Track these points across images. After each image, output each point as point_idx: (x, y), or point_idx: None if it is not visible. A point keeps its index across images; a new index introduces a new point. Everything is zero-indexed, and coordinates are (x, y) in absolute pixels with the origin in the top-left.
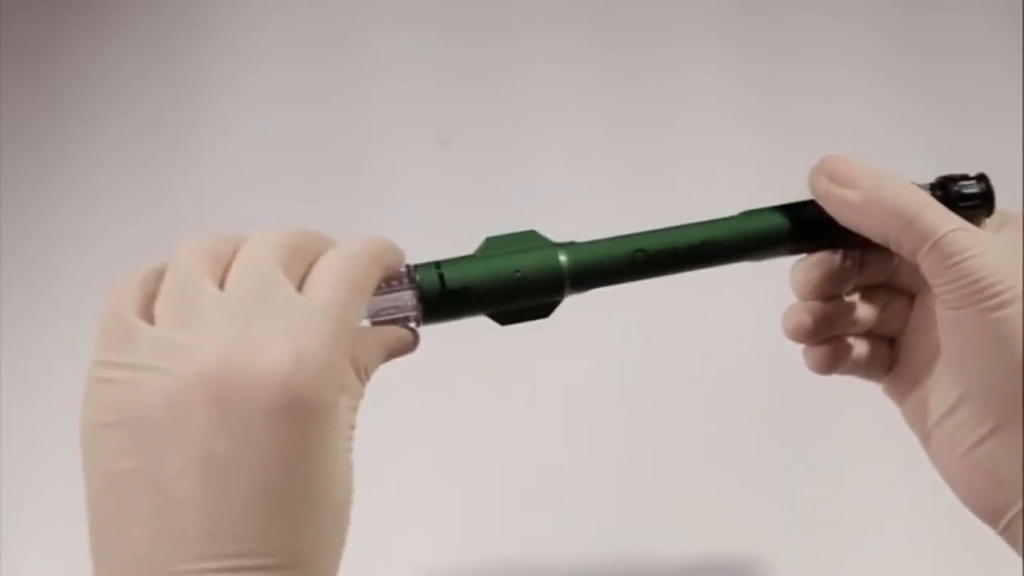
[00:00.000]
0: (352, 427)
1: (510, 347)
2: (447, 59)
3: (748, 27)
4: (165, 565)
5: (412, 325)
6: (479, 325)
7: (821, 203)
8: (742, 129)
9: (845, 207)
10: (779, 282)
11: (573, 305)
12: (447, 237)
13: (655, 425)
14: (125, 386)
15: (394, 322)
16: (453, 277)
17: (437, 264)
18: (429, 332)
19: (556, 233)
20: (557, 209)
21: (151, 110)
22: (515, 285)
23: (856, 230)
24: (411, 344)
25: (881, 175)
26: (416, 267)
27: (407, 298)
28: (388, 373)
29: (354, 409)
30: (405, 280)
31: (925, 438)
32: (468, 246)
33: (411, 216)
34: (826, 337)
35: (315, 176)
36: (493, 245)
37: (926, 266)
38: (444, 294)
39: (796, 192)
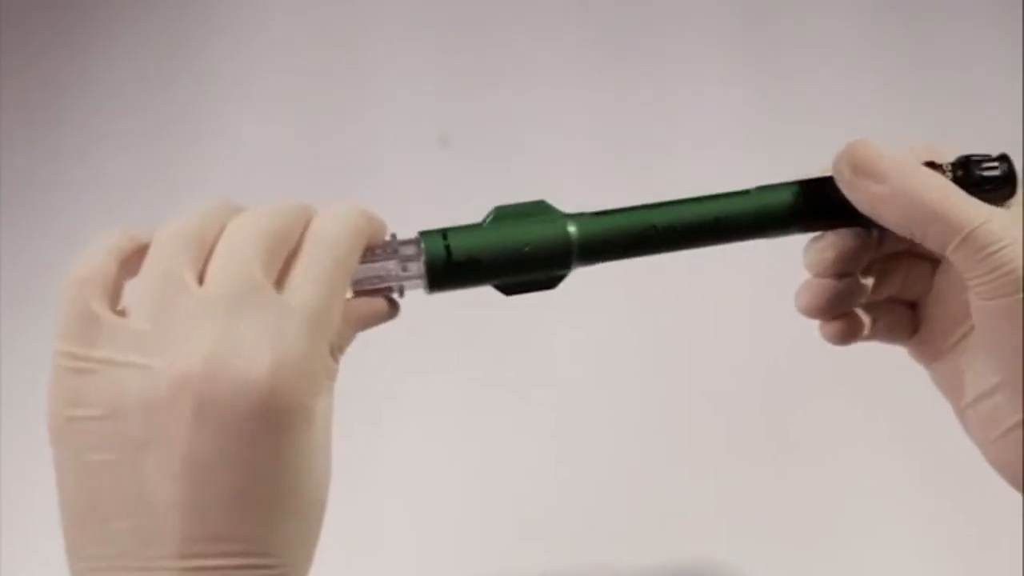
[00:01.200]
0: (329, 407)
1: (507, 343)
2: (447, 59)
3: (748, 28)
4: (147, 561)
5: (395, 295)
6: (476, 322)
7: (845, 192)
8: (742, 130)
9: (869, 199)
10: (778, 279)
11: (572, 302)
12: None
13: (650, 424)
14: (99, 379)
15: (377, 292)
16: (460, 247)
17: (444, 233)
18: (429, 330)
19: None
20: (557, 207)
21: (153, 109)
22: (522, 257)
23: (878, 221)
24: (385, 315)
25: (906, 165)
26: (422, 234)
27: (391, 267)
28: (387, 371)
29: (330, 389)
30: (390, 249)
31: (960, 413)
32: None
33: (411, 214)
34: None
35: (315, 175)
36: (502, 215)
37: (957, 259)
38: (449, 264)
39: None
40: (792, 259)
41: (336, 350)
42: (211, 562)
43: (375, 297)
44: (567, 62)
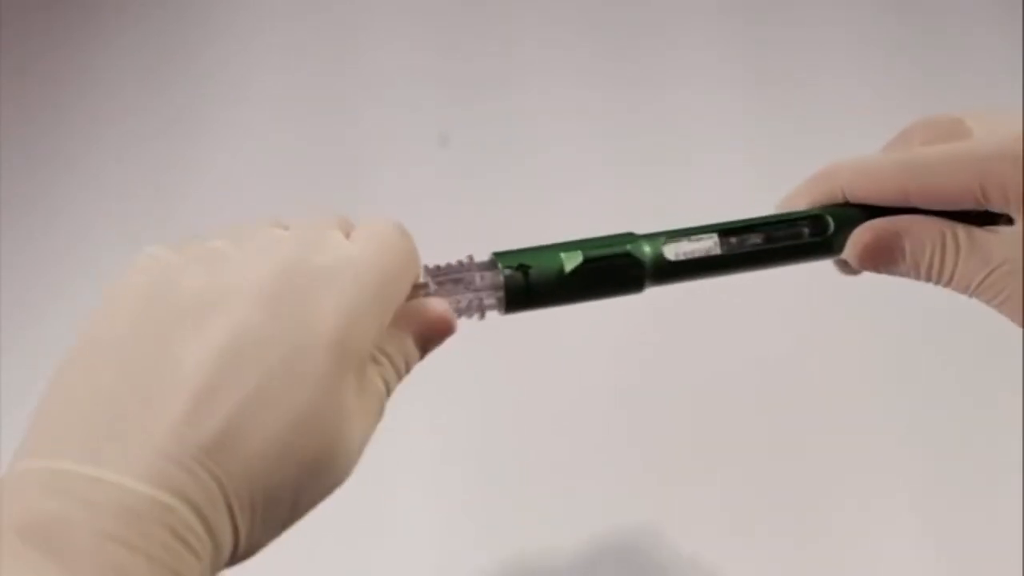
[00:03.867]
0: (378, 420)
1: (507, 340)
2: (447, 59)
3: (749, 29)
4: (135, 428)
5: (476, 316)
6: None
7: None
8: (743, 131)
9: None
10: (778, 277)
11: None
12: (447, 235)
13: (649, 418)
14: (166, 274)
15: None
16: (537, 281)
17: (521, 266)
18: None
19: (555, 232)
20: (557, 207)
21: (153, 109)
22: (595, 281)
23: (936, 204)
24: (450, 328)
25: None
26: (498, 259)
27: (470, 295)
28: None
29: (385, 393)
30: (468, 274)
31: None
32: (468, 244)
33: (411, 214)
34: None
35: (315, 175)
36: (584, 243)
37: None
38: (528, 293)
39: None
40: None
41: (401, 367)
42: (185, 449)
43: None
44: (567, 63)
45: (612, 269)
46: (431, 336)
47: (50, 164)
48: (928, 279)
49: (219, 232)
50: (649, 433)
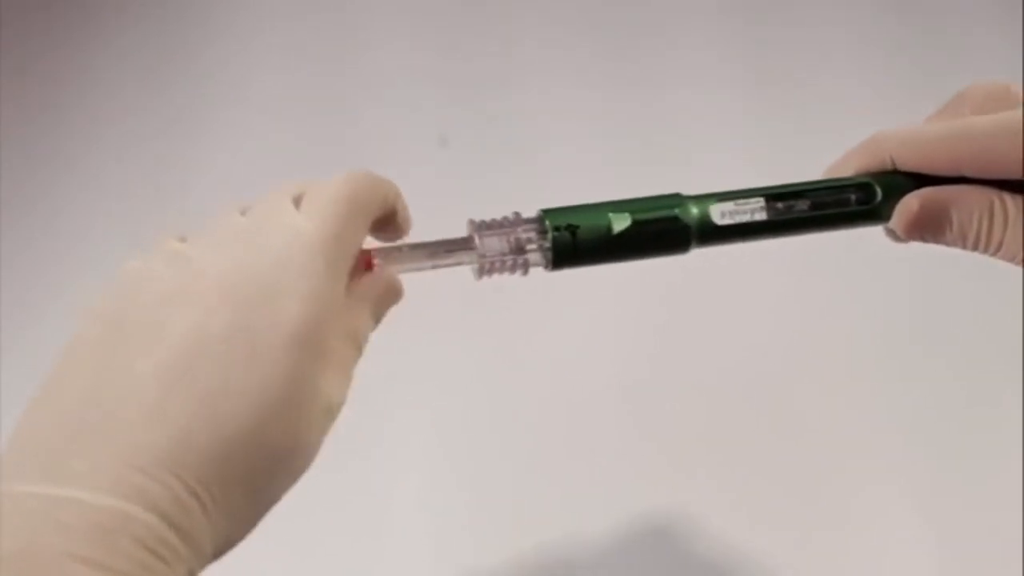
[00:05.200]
0: (342, 401)
1: (506, 328)
2: (447, 59)
3: (749, 29)
4: (106, 435)
5: (519, 272)
6: (475, 308)
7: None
8: (742, 131)
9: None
10: (779, 274)
11: (569, 289)
12: (447, 235)
13: (651, 413)
14: (133, 284)
15: (503, 267)
16: (584, 241)
17: (569, 226)
18: (426, 318)
19: None
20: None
21: (152, 110)
22: (642, 242)
23: (986, 173)
24: (401, 294)
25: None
26: (547, 216)
27: (516, 244)
28: (388, 358)
29: (348, 381)
30: (514, 228)
31: None
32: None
33: (410, 214)
34: None
35: (315, 175)
36: (632, 204)
37: None
38: (575, 252)
39: None
40: (789, 254)
41: (358, 339)
42: (150, 459)
43: (389, 275)
44: (567, 63)
45: (659, 232)
46: (384, 306)
47: (50, 164)
48: (975, 248)
49: (186, 227)
50: (651, 428)
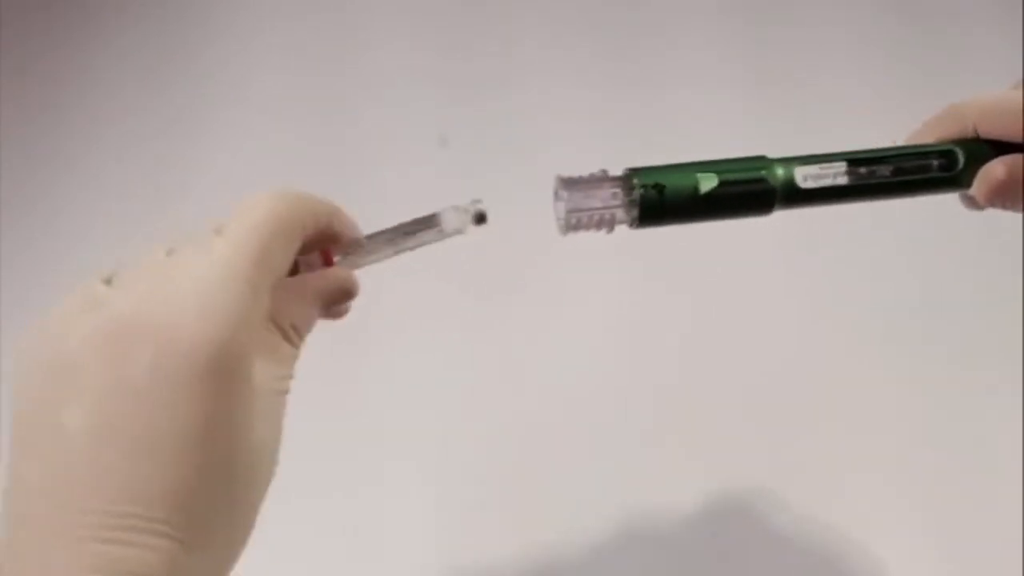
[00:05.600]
0: (282, 393)
1: (506, 329)
2: (447, 59)
3: (748, 29)
4: (57, 507)
5: (605, 230)
6: (475, 310)
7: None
8: (742, 131)
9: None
10: (780, 273)
11: (569, 290)
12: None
13: (650, 413)
14: (54, 332)
15: (599, 222)
16: (671, 200)
17: (657, 185)
18: (423, 313)
19: (555, 231)
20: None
21: (152, 110)
22: (727, 202)
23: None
24: (345, 291)
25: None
26: (634, 175)
27: (606, 200)
28: (390, 354)
29: (285, 377)
30: (605, 184)
31: None
32: (468, 244)
33: (411, 214)
34: None
35: (315, 175)
36: (718, 165)
37: None
38: (662, 210)
39: None
40: (788, 251)
41: (290, 331)
42: (117, 521)
43: (338, 272)
44: (567, 63)
45: (745, 193)
46: (332, 301)
47: (50, 164)
48: None
49: (115, 264)
50: (651, 429)
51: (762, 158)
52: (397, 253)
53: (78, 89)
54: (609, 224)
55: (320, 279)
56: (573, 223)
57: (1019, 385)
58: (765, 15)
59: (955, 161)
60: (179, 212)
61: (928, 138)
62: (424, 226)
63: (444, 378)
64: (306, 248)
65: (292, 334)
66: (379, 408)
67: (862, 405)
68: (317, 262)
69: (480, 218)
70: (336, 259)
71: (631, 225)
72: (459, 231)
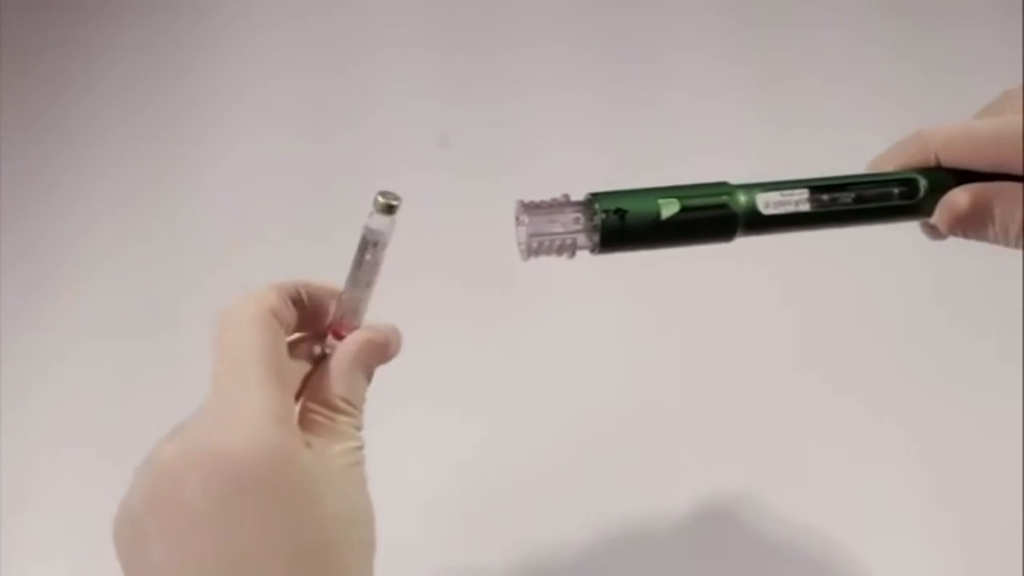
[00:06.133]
0: (352, 465)
1: (506, 331)
2: (447, 59)
3: (748, 30)
4: None
5: (566, 255)
6: (475, 312)
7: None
8: (742, 131)
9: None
10: (781, 272)
11: (569, 292)
12: (447, 236)
13: (648, 406)
14: (130, 489)
15: (556, 247)
16: (632, 225)
17: (618, 210)
18: (425, 315)
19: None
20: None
21: (153, 111)
22: (689, 228)
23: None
24: (374, 338)
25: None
26: (595, 201)
27: (567, 226)
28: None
29: (351, 450)
30: (565, 210)
31: None
32: (469, 244)
33: (411, 215)
34: None
35: (315, 176)
36: (681, 190)
37: None
38: (623, 236)
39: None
40: (783, 257)
41: (340, 401)
42: None
43: (355, 335)
44: (567, 63)
45: (707, 219)
46: (369, 361)
47: (50, 164)
48: (1017, 246)
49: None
50: (651, 429)
51: (724, 184)
52: (370, 285)
53: (78, 89)
54: (571, 249)
55: (341, 347)
56: (535, 247)
57: (1019, 385)
58: (765, 16)
59: (916, 189)
60: (179, 212)
61: (892, 164)
62: (363, 248)
63: (442, 378)
64: (316, 336)
65: (344, 406)
66: (378, 408)
67: (860, 412)
68: (334, 342)
69: (387, 208)
70: (343, 333)
71: (592, 251)
72: (385, 231)
